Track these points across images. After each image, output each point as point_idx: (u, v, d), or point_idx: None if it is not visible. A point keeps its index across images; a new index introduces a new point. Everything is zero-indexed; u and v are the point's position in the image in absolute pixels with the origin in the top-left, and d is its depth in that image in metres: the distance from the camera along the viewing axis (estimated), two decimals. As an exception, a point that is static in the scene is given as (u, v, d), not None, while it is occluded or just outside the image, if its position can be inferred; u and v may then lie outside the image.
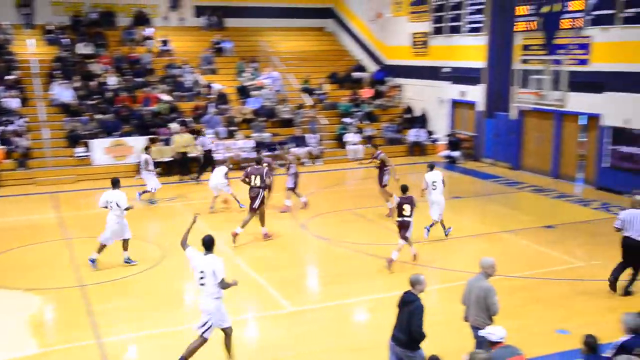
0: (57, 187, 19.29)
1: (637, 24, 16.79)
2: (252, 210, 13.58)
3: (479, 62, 22.40)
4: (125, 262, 12.24)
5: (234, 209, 16.36)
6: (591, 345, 6.41)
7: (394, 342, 7.11)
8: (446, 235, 13.74)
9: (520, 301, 10.23)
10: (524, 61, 20.64)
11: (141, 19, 28.09)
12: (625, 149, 17.39)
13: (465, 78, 23.37)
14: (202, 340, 8.12)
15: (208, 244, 8.20)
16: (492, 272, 7.55)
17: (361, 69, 28.98)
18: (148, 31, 27.37)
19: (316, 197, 17.68)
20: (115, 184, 12.40)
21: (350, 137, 24.08)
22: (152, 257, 12.62)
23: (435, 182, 13.58)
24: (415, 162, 22.84)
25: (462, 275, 11.39)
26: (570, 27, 18.72)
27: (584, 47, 18.42)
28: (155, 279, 11.71)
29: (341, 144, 24.10)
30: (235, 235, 13.41)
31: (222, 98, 24.55)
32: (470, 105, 23.58)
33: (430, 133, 25.36)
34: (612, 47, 17.63)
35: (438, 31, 24.74)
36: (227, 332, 8.31)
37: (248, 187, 13.69)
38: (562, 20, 18.95)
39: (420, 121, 25.72)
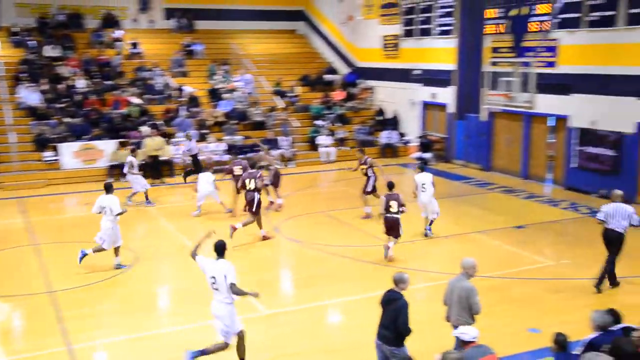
0: (25, 192, 18.95)
1: (602, 28, 17.12)
2: (254, 213, 13.66)
3: (450, 64, 22.62)
4: (116, 267, 12.08)
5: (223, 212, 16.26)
6: (561, 344, 6.50)
7: (380, 340, 7.21)
8: (427, 231, 13.99)
9: (492, 301, 10.32)
10: (494, 63, 20.89)
11: (110, 21, 27.72)
12: (591, 149, 17.71)
13: (436, 80, 23.57)
14: (225, 345, 8.11)
15: (219, 249, 8.11)
16: (472, 273, 7.67)
17: (333, 71, 29.04)
18: (117, 33, 27.04)
19: (289, 200, 17.65)
20: (109, 188, 12.22)
21: (322, 139, 24.11)
22: (124, 262, 12.43)
23: (424, 183, 13.82)
24: (387, 164, 22.89)
25: (437, 276, 11.50)
26: (537, 30, 19.01)
27: (551, 49, 18.72)
28: (126, 284, 11.57)
29: (313, 146, 24.11)
30: (234, 229, 13.32)
31: (193, 101, 24.38)
32: (441, 107, 23.79)
33: (402, 135, 25.51)
34: (578, 49, 17.95)
35: (409, 34, 24.91)
36: (240, 336, 8.27)
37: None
38: (529, 23, 19.23)
39: (392, 123, 25.87)
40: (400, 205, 12.28)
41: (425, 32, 24.01)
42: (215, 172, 17.06)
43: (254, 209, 13.64)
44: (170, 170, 21.05)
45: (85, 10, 27.64)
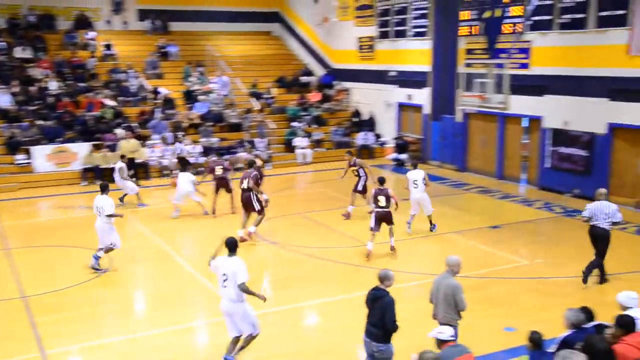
0: (-3, 196, 18.64)
1: (573, 30, 17.37)
2: (259, 212, 13.75)
3: (425, 65, 22.77)
4: (92, 267, 12.00)
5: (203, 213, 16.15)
6: (536, 342, 6.57)
7: (368, 337, 7.29)
8: (409, 226, 14.33)
9: (468, 300, 10.30)
10: (468, 65, 21.08)
11: (83, 23, 27.39)
12: (564, 150, 17.95)
13: (412, 82, 23.70)
14: (252, 337, 8.23)
15: (231, 245, 8.06)
16: (457, 270, 7.77)
17: (308, 73, 29.06)
18: (90, 35, 26.73)
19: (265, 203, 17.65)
20: (104, 189, 12.13)
21: (298, 141, 24.09)
22: (102, 267, 12.29)
23: (416, 180, 14.07)
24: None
25: (414, 276, 11.56)
26: (511, 32, 19.22)
27: (524, 51, 18.95)
28: (100, 289, 11.42)
29: (289, 148, 24.09)
30: (243, 240, 13.32)
31: (168, 103, 24.20)
32: (417, 108, 23.93)
33: (378, 136, 25.61)
34: (551, 51, 18.19)
35: (384, 35, 25.02)
36: (246, 338, 8.28)
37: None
38: (503, 25, 19.44)
39: (368, 124, 25.96)
40: (389, 199, 12.55)
41: (401, 34, 24.14)
42: (197, 173, 17.00)
43: (257, 209, 13.71)
44: (146, 172, 20.86)
45: (57, 11, 27.28)
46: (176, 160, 20.29)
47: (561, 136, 18.01)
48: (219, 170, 16.15)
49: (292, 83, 28.00)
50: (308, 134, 24.64)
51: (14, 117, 21.45)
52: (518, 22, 18.92)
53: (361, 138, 25.01)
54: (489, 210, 16.93)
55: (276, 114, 25.79)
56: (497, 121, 20.40)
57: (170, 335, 9.42)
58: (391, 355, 7.27)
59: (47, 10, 27.01)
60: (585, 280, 10.99)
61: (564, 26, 17.62)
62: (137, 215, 16.54)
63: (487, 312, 10.04)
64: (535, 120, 19.10)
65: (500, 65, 19.78)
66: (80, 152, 20.67)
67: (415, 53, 23.36)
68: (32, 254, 13.39)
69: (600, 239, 11.00)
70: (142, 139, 21.60)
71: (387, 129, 25.49)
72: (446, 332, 6.45)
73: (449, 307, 7.59)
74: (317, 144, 24.55)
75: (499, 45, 19.71)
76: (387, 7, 24.67)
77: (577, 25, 17.18)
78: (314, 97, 27.13)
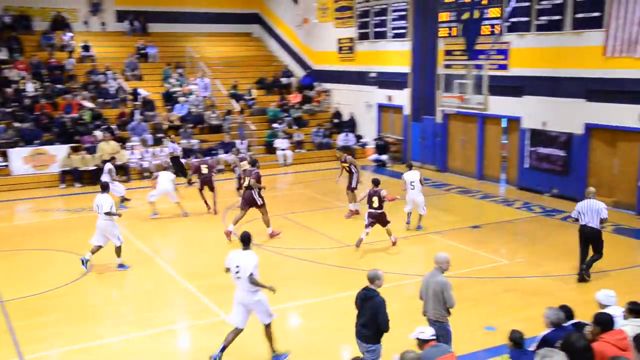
0: (-28, 200, 18.36)
1: (550, 31, 17.56)
2: (260, 206, 14.18)
3: (405, 67, 22.88)
4: (84, 261, 12.07)
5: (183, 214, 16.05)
6: (517, 341, 6.61)
7: (358, 338, 7.36)
8: (408, 224, 14.83)
9: (449, 300, 10.47)
10: (447, 66, 21.20)
11: (60, 24, 27.08)
12: (543, 150, 18.13)
13: (392, 83, 23.79)
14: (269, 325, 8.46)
15: (245, 239, 8.39)
16: (446, 267, 7.87)
17: (289, 74, 29.02)
18: (68, 36, 26.44)
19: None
20: (104, 188, 12.35)
21: (279, 142, 24.06)
22: (77, 269, 12.15)
23: (413, 181, 14.42)
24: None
25: (395, 277, 11.57)
26: (489, 33, 19.38)
27: (503, 52, 19.11)
28: (77, 293, 11.28)
29: (270, 149, 24.04)
30: (229, 233, 13.93)
31: (148, 104, 24.03)
32: (397, 109, 24.02)
33: (358, 137, 25.65)
34: (528, 52, 18.37)
35: (364, 37, 25.08)
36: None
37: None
38: (482, 27, 19.58)
39: (349, 126, 26.00)
40: (381, 201, 13.02)
41: (380, 35, 24.21)
42: (175, 174, 16.97)
43: (260, 203, 14.11)
44: (126, 174, 20.68)
45: (33, 12, 26.93)
46: (169, 159, 20.39)
47: (539, 136, 18.19)
48: (204, 170, 16.54)
49: (272, 84, 27.95)
50: (289, 136, 24.62)
51: (-10, 119, 21.17)
52: (496, 24, 19.09)
53: (342, 139, 25.03)
54: (469, 211, 17.04)
55: (256, 115, 25.73)
56: (476, 122, 20.55)
57: (151, 339, 9.34)
58: (379, 355, 7.30)
59: (22, 11, 26.66)
60: (587, 277, 11.25)
61: (542, 28, 17.81)
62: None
63: (467, 312, 10.08)
64: (514, 121, 19.27)
65: (479, 67, 19.93)
66: (59, 154, 20.45)
67: (395, 54, 23.46)
68: (10, 257, 13.20)
69: (591, 237, 11.12)
70: (122, 141, 21.42)
71: (368, 130, 25.55)
72: (427, 332, 6.48)
73: (439, 303, 7.68)
74: (297, 145, 24.54)
75: (478, 47, 19.86)
76: (366, 8, 24.74)
77: (554, 26, 17.37)
78: (294, 98, 27.12)
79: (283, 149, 23.81)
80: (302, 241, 14.16)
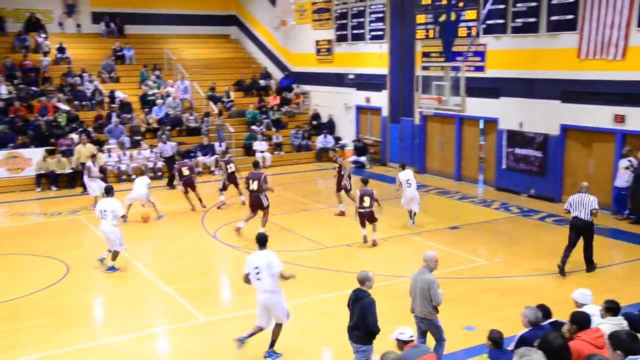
0: (-55, 204, 18.04)
1: (525, 34, 17.76)
2: (266, 208, 14.46)
3: (382, 68, 22.97)
4: (109, 269, 12.14)
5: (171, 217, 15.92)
6: (496, 340, 6.68)
7: (350, 339, 7.46)
8: (412, 219, 15.22)
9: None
10: (425, 68, 21.33)
11: (34, 25, 26.73)
12: (519, 151, 18.32)
13: (370, 84, 23.88)
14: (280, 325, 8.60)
15: (261, 240, 8.56)
16: (434, 266, 8.00)
17: (267, 76, 28.96)
18: (42, 38, 26.10)
19: (226, 206, 17.55)
20: (109, 191, 12.15)
21: (258, 144, 24.00)
22: (55, 273, 12.01)
23: (408, 180, 14.79)
24: (323, 168, 23.09)
25: (376, 278, 11.58)
26: (466, 35, 19.53)
27: (479, 54, 19.29)
28: (57, 297, 11.14)
29: (249, 151, 23.96)
30: (239, 229, 14.33)
31: (125, 107, 23.81)
32: (376, 110, 24.11)
33: (337, 139, 25.68)
34: (505, 54, 18.56)
35: (342, 38, 25.13)
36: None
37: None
38: (458, 29, 19.74)
39: (327, 127, 26.02)
40: (373, 200, 13.47)
41: (358, 37, 24.29)
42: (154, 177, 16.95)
43: (266, 205, 14.39)
44: (104, 177, 20.41)
45: (6, 13, 26.54)
46: (163, 159, 20.62)
47: (516, 137, 18.38)
48: (185, 171, 16.94)
49: (250, 86, 27.88)
50: (267, 138, 24.58)
51: (-37, 122, 20.82)
52: (473, 26, 19.25)
53: (320, 141, 25.05)
54: (447, 211, 17.14)
55: (235, 117, 25.64)
56: (454, 123, 20.70)
57: (130, 343, 9.26)
58: (369, 356, 7.36)
59: (-5, 12, 26.31)
60: (593, 269, 11.76)
61: (517, 30, 18.00)
62: (93, 220, 16.16)
63: (446, 312, 10.09)
64: (491, 122, 19.44)
65: (456, 68, 20.07)
66: (34, 157, 20.19)
67: (373, 56, 23.54)
68: (-16, 263, 13.00)
69: (583, 228, 11.55)
70: (99, 143, 21.20)
71: (347, 132, 25.60)
72: (407, 333, 6.51)
73: (426, 301, 7.80)
74: (276, 147, 24.51)
75: (455, 49, 20.01)
76: (344, 10, 24.79)
77: (530, 29, 17.57)
78: (273, 100, 27.07)
79: (262, 151, 23.75)
80: (282, 243, 14.11)
